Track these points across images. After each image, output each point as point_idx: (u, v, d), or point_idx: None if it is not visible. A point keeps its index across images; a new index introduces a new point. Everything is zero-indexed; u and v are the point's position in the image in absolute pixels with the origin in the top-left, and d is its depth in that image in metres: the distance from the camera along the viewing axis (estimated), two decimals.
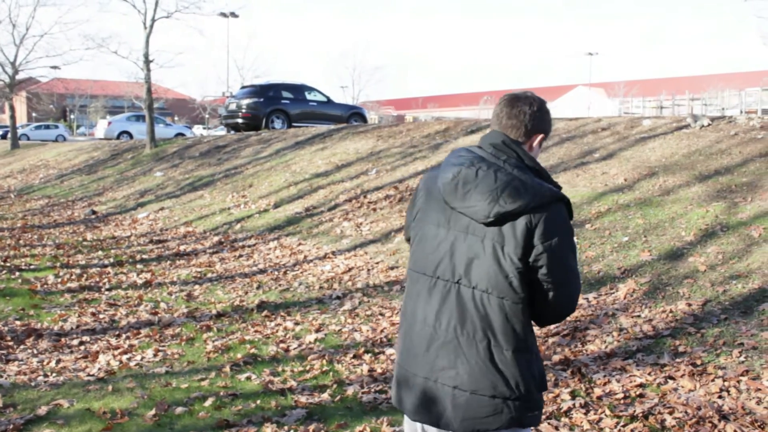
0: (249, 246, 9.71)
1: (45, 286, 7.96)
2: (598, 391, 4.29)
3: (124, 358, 5.40)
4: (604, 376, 4.50)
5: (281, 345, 5.68)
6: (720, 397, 4.04)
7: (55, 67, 33.93)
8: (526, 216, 2.06)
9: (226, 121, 21.87)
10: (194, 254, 9.62)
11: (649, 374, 4.43)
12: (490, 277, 2.10)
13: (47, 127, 46.57)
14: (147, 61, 21.86)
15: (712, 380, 4.22)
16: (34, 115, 62.25)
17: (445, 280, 2.17)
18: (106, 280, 8.25)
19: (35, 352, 5.61)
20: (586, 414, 4.04)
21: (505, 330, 2.11)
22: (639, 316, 5.34)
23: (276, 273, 8.14)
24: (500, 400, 2.09)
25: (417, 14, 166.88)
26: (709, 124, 10.06)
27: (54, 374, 5.04)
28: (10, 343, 5.80)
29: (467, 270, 2.13)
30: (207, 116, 56.33)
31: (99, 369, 5.14)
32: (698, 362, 4.49)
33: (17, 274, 8.58)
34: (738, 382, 4.16)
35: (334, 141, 15.41)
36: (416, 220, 2.30)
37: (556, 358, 4.86)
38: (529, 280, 2.12)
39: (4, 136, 42.59)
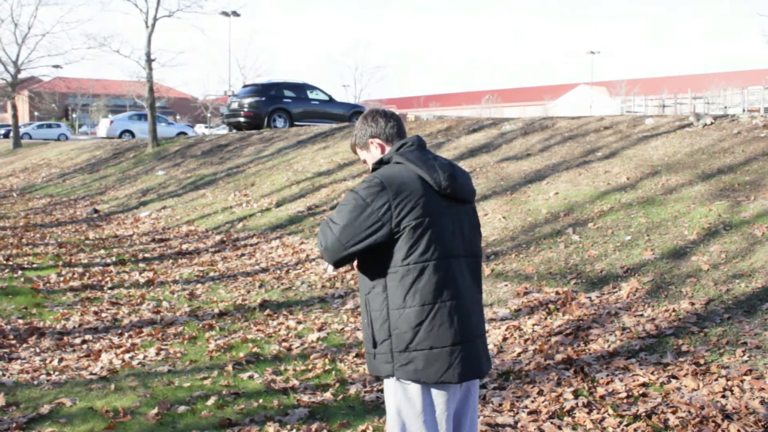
0: (251, 245, 9.71)
1: (47, 284, 7.97)
2: (600, 391, 4.28)
3: (127, 356, 5.41)
4: (607, 375, 4.49)
5: (283, 344, 5.68)
6: (723, 396, 4.03)
7: (57, 66, 33.97)
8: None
9: (228, 120, 21.87)
10: (196, 253, 9.62)
11: (652, 373, 4.42)
12: (478, 247, 2.68)
13: (49, 126, 46.58)
14: (149, 60, 21.87)
15: (716, 380, 4.21)
16: (36, 114, 62.30)
17: (463, 256, 2.58)
18: (108, 278, 8.25)
19: (38, 350, 5.62)
20: (589, 413, 4.03)
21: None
22: (642, 315, 5.33)
23: (278, 272, 8.14)
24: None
25: (419, 13, 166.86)
26: (711, 123, 10.04)
27: (56, 373, 5.05)
28: (13, 342, 5.80)
29: (470, 245, 2.62)
30: (209, 115, 56.32)
31: (101, 368, 5.15)
32: (701, 362, 4.48)
33: (20, 272, 8.59)
34: (741, 381, 4.15)
35: (336, 140, 15.41)
36: (419, 216, 2.47)
37: (558, 357, 4.85)
38: None
39: (6, 135, 42.65)
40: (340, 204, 2.54)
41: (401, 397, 2.55)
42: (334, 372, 5.01)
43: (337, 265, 2.54)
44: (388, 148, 2.68)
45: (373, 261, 2.53)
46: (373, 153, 2.73)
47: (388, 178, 2.48)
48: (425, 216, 2.45)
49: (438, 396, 2.54)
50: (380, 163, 2.62)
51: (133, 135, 31.06)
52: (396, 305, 2.48)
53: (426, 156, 2.55)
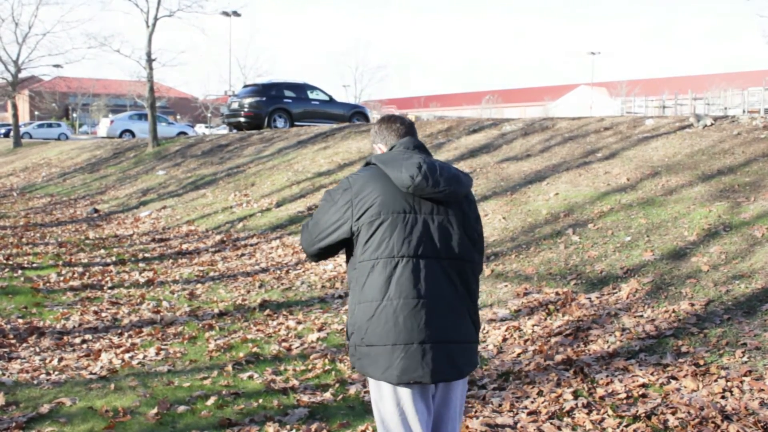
0: (251, 245, 9.71)
1: (47, 284, 7.97)
2: (600, 391, 4.29)
3: (127, 356, 5.41)
4: (607, 376, 4.49)
5: (283, 344, 5.69)
6: (723, 397, 4.03)
7: (57, 66, 33.96)
8: (470, 193, 2.69)
9: (229, 120, 21.86)
10: (196, 253, 9.62)
11: (652, 374, 4.42)
12: (464, 247, 2.61)
13: (49, 125, 46.59)
14: (149, 60, 21.87)
15: (715, 380, 4.21)
16: (36, 113, 62.32)
17: (434, 257, 2.55)
18: (108, 278, 8.25)
19: (38, 350, 5.62)
20: (588, 414, 4.03)
21: (475, 288, 2.67)
22: (642, 315, 5.33)
23: (278, 272, 8.14)
24: (475, 344, 2.67)
25: (419, 13, 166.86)
26: (711, 124, 10.04)
27: (56, 372, 5.05)
28: (13, 341, 5.81)
29: (447, 246, 2.57)
30: (209, 115, 56.35)
31: (101, 367, 5.15)
32: (701, 362, 4.48)
33: (20, 272, 8.59)
34: (741, 382, 4.15)
35: (336, 140, 15.41)
36: (374, 214, 2.53)
37: (558, 357, 4.85)
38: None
39: (6, 135, 42.65)
40: (319, 202, 2.73)
41: (375, 391, 2.62)
42: (333, 372, 5.01)
43: (315, 258, 2.74)
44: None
45: (349, 258, 2.68)
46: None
47: (355, 178, 2.61)
48: (380, 214, 2.53)
49: (403, 394, 2.55)
50: (367, 165, 2.73)
51: (133, 135, 31.06)
52: (356, 300, 2.59)
53: (401, 156, 2.59)
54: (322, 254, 2.70)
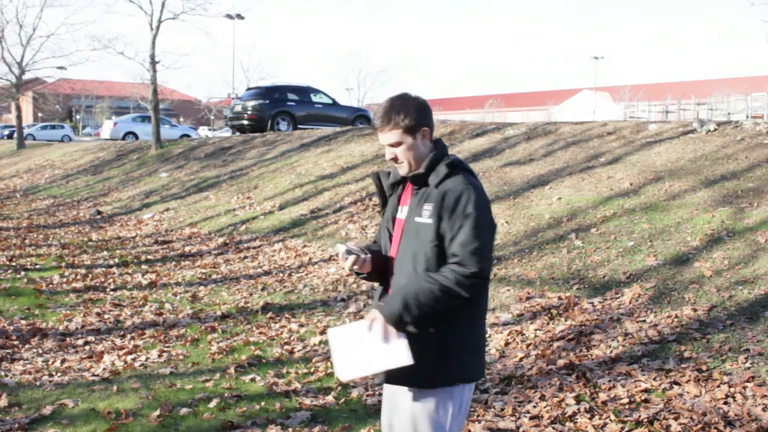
0: (254, 248, 9.72)
1: (50, 285, 7.99)
2: (603, 396, 4.28)
3: (129, 358, 5.41)
4: (609, 381, 4.49)
5: (286, 347, 5.69)
6: (725, 403, 4.02)
7: (61, 68, 34.02)
8: None
9: (232, 123, 21.90)
10: (199, 255, 9.63)
11: (655, 379, 4.42)
12: None
13: (53, 127, 46.72)
14: (153, 63, 21.93)
15: (718, 386, 4.21)
16: (40, 115, 62.48)
17: None
18: (111, 280, 8.26)
19: (40, 351, 5.63)
20: (591, 419, 4.03)
21: None
22: (644, 321, 5.32)
23: (281, 275, 8.15)
24: None
25: (422, 17, 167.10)
26: (715, 129, 10.03)
27: (59, 374, 5.06)
28: (16, 343, 5.82)
29: None
30: (212, 118, 56.43)
31: (104, 369, 5.16)
32: (704, 368, 4.47)
33: (23, 273, 8.60)
34: (744, 388, 4.15)
35: (339, 143, 15.42)
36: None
37: (560, 362, 4.85)
38: None
39: (10, 136, 42.75)
40: (476, 221, 2.37)
41: (458, 401, 2.51)
42: (336, 376, 5.01)
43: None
44: (428, 143, 2.51)
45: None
46: (417, 142, 2.47)
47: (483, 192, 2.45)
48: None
49: (468, 393, 2.61)
50: (435, 163, 2.45)
51: (136, 137, 31.12)
52: (478, 310, 2.57)
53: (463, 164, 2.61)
54: None
